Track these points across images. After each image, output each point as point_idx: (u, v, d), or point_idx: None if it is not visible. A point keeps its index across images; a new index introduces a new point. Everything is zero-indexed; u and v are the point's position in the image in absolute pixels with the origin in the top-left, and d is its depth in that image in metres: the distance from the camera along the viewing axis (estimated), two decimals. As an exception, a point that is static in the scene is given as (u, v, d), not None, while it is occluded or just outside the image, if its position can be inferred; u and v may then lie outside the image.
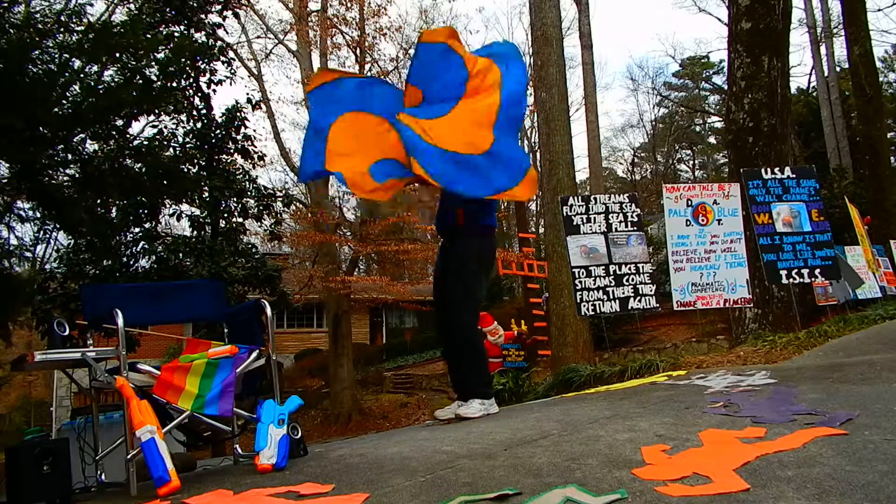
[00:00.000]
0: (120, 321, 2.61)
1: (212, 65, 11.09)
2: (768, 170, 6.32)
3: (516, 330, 8.95)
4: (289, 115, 59.78)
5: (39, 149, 6.26)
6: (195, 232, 11.00)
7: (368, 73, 17.56)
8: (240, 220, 11.84)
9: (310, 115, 3.63)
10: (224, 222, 11.50)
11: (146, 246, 10.44)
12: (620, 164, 41.74)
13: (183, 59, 8.08)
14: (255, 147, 12.02)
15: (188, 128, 11.00)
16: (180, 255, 10.50)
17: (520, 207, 23.58)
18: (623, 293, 5.95)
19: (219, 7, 11.13)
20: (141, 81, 6.95)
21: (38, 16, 6.09)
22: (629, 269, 6.02)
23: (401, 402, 18.52)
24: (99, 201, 7.91)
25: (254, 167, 12.28)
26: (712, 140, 35.94)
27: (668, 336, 16.95)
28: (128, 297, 3.01)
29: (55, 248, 10.58)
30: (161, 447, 2.31)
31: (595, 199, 6.32)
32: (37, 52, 6.02)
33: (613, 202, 6.28)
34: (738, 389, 3.20)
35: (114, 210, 9.21)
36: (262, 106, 15.68)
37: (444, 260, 3.74)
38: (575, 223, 6.13)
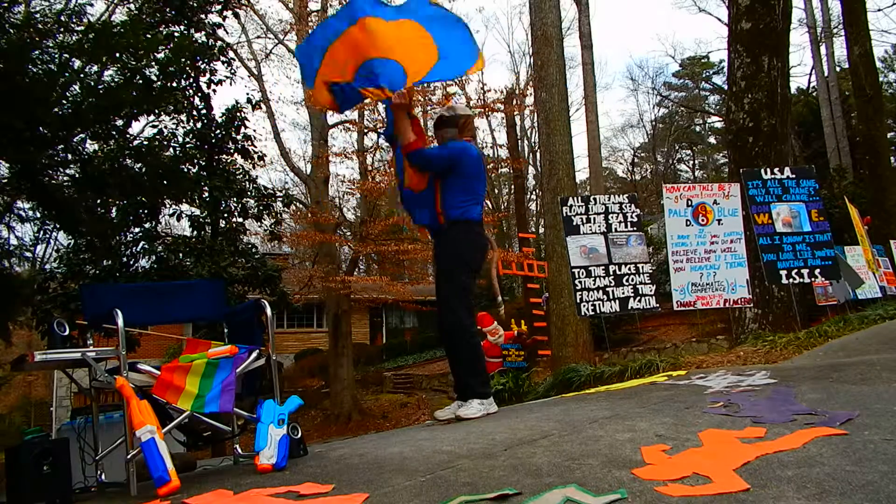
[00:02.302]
0: (120, 321, 2.61)
1: (212, 65, 11.10)
2: (768, 170, 6.33)
3: (516, 330, 8.95)
4: (289, 115, 59.87)
5: (39, 149, 6.26)
6: (195, 232, 11.00)
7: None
8: (240, 220, 11.85)
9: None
10: (224, 222, 11.51)
11: (146, 246, 10.45)
12: (620, 164, 41.78)
13: (183, 59, 8.08)
14: (255, 147, 12.03)
15: (188, 128, 11.00)
16: (180, 255, 10.51)
17: (520, 207, 23.61)
18: (623, 293, 5.95)
19: (219, 7, 11.14)
20: (141, 81, 6.95)
21: (38, 16, 6.09)
22: (629, 269, 6.02)
23: (401, 402, 18.53)
24: (99, 201, 7.91)
25: (254, 167, 12.30)
26: (712, 140, 35.95)
27: (668, 336, 16.95)
28: (128, 297, 3.02)
29: (55, 248, 10.61)
30: (161, 447, 2.31)
31: (595, 199, 6.32)
32: (37, 52, 6.02)
33: (613, 202, 6.28)
34: (738, 389, 3.20)
35: (114, 210, 9.22)
36: (262, 106, 15.69)
37: (441, 247, 3.71)
38: (575, 223, 6.13)
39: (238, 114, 11.54)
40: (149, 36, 7.08)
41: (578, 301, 5.97)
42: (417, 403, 18.08)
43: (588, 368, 6.60)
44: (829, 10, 23.56)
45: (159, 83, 7.53)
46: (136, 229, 10.30)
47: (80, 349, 2.68)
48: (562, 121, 12.07)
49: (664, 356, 6.48)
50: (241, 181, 11.54)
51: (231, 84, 12.49)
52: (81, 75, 6.41)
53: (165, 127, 10.10)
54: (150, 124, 9.70)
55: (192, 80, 10.68)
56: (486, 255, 3.80)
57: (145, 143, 8.43)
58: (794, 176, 6.29)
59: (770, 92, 7.82)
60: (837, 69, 22.70)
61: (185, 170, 9.88)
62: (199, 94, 11.10)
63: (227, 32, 13.31)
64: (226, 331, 3.29)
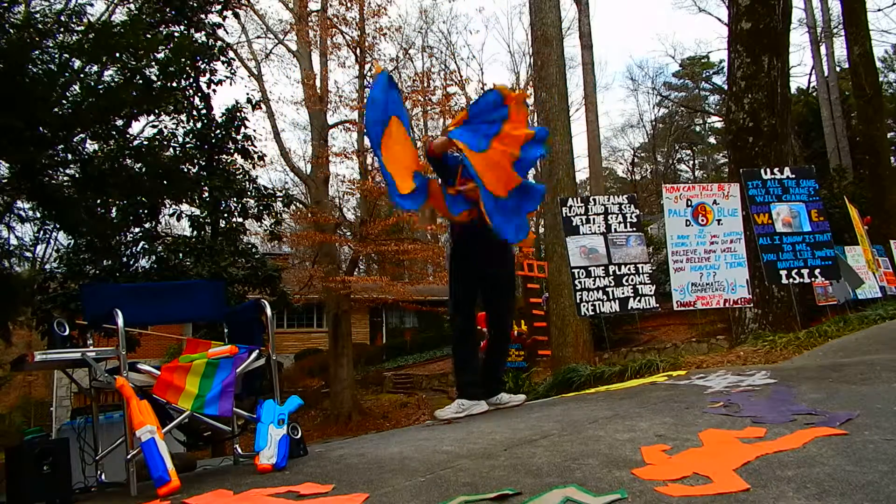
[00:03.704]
0: (120, 321, 2.61)
1: (212, 65, 11.10)
2: (768, 170, 6.32)
3: (516, 330, 8.94)
4: (289, 115, 60.00)
5: (39, 149, 6.26)
6: (195, 232, 11.01)
7: (368, 74, 17.55)
8: (240, 220, 11.85)
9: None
10: (224, 222, 11.51)
11: (146, 246, 10.45)
12: (620, 164, 41.76)
13: (183, 59, 8.07)
14: (255, 147, 12.04)
15: (188, 128, 11.00)
16: (180, 255, 10.51)
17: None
18: (623, 293, 5.95)
19: (219, 7, 11.13)
20: (141, 81, 6.94)
21: (38, 16, 6.08)
22: (629, 269, 6.01)
23: (401, 402, 18.53)
24: (99, 201, 7.90)
25: (254, 167, 12.31)
26: (712, 140, 35.95)
27: (668, 336, 16.96)
28: (128, 297, 3.01)
29: (55, 248, 10.61)
30: (161, 447, 2.31)
31: (594, 199, 6.31)
32: (37, 52, 6.02)
33: (612, 203, 6.27)
34: (738, 389, 3.20)
35: (114, 210, 9.22)
36: (262, 106, 15.69)
37: (496, 266, 3.85)
38: (574, 224, 6.12)
39: (238, 114, 11.54)
40: (149, 36, 7.08)
41: (578, 301, 5.97)
42: (417, 403, 18.08)
43: (588, 368, 6.60)
44: (829, 10, 23.57)
45: (159, 83, 7.52)
46: (136, 229, 10.30)
47: (80, 349, 2.67)
48: (562, 121, 12.06)
49: (664, 356, 6.49)
50: (241, 181, 11.54)
51: (231, 84, 12.51)
52: (81, 75, 6.41)
53: (165, 127, 10.11)
54: (150, 124, 9.71)
55: (192, 80, 10.67)
56: None
57: (145, 143, 8.43)
58: (794, 176, 6.28)
59: (770, 92, 7.82)
60: (837, 69, 22.70)
61: (185, 170, 9.89)
62: (199, 94, 11.10)
63: (227, 32, 13.32)
64: (226, 331, 3.29)
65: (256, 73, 20.50)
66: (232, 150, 11.69)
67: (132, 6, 9.20)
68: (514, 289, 4.06)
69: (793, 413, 2.48)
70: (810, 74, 25.56)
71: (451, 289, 3.86)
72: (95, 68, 6.64)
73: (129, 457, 2.44)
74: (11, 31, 5.81)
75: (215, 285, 3.59)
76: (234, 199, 11.39)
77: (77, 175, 7.04)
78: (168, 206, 10.18)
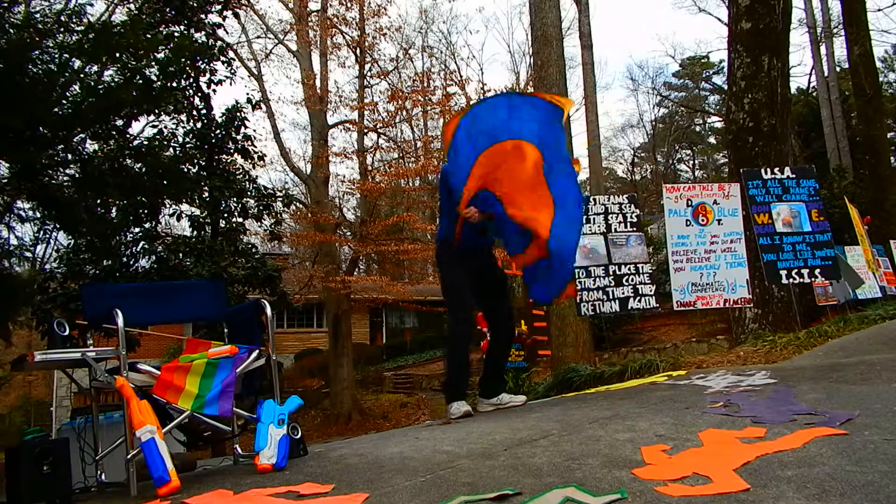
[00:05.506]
0: (120, 321, 2.61)
1: (212, 65, 11.10)
2: (768, 170, 6.32)
3: (516, 330, 8.93)
4: (289, 115, 60.01)
5: (39, 149, 6.26)
6: (195, 232, 11.01)
7: (368, 74, 17.53)
8: (240, 220, 11.85)
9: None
10: (224, 222, 11.51)
11: (146, 246, 10.46)
12: (620, 164, 41.74)
13: (183, 59, 8.06)
14: (255, 147, 12.04)
15: (188, 128, 11.00)
16: (180, 255, 10.51)
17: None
18: (623, 293, 5.95)
19: (219, 7, 11.14)
20: (141, 81, 6.94)
21: (38, 16, 6.08)
22: (629, 269, 6.02)
23: (401, 402, 18.52)
24: (99, 201, 7.91)
25: (254, 167, 12.31)
26: (712, 140, 35.93)
27: (668, 336, 16.95)
28: (128, 297, 3.01)
29: (55, 248, 10.61)
30: (161, 447, 2.31)
31: (594, 199, 6.32)
32: (37, 52, 6.02)
33: (612, 203, 6.28)
34: (738, 389, 3.20)
35: (114, 210, 9.21)
36: (262, 106, 15.68)
37: (490, 275, 3.96)
38: (575, 223, 6.11)
39: (238, 114, 11.54)
40: (149, 36, 7.08)
41: (578, 301, 5.97)
42: (417, 403, 18.07)
43: (588, 368, 6.61)
44: (829, 10, 23.56)
45: (159, 83, 7.52)
46: (136, 229, 10.30)
47: (80, 349, 2.67)
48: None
49: (664, 356, 6.49)
50: (241, 181, 11.54)
51: (231, 84, 12.52)
52: (81, 75, 6.41)
53: (165, 127, 10.11)
54: (150, 124, 9.70)
55: (192, 80, 10.67)
56: None
57: (145, 143, 8.42)
58: (794, 176, 6.28)
59: (770, 92, 7.82)
60: (837, 69, 22.69)
61: (185, 170, 9.88)
62: (199, 94, 11.10)
63: (227, 32, 13.32)
64: (226, 331, 3.28)
65: (256, 73, 20.47)
66: (232, 150, 11.69)
67: (132, 6, 9.20)
68: (508, 289, 4.16)
69: (793, 413, 2.48)
70: (810, 74, 25.59)
71: (454, 288, 3.82)
72: (95, 68, 6.64)
73: (129, 457, 2.44)
74: (11, 31, 5.81)
75: (215, 285, 3.58)
76: (234, 199, 11.39)
77: (77, 175, 7.04)
78: (168, 206, 10.18)
